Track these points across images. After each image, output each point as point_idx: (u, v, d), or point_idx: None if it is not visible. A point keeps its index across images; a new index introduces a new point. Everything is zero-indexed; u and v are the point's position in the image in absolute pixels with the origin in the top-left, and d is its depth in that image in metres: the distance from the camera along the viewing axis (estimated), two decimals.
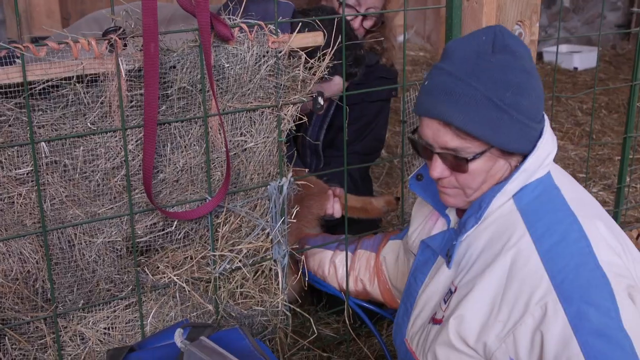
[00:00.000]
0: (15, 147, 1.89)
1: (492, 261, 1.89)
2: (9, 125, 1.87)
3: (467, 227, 1.98)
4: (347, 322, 2.63)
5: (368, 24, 3.38)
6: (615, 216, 3.50)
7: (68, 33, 2.22)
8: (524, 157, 1.92)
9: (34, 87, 1.86)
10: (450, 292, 2.01)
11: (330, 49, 2.20)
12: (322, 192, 2.85)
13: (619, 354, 1.71)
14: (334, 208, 2.89)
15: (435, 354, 1.99)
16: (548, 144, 1.94)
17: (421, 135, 1.95)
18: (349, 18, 3.27)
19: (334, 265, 2.69)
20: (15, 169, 1.90)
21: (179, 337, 1.70)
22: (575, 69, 7.85)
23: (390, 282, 2.59)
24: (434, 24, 7.90)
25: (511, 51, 1.86)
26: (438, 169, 1.93)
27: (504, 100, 1.82)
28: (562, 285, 1.77)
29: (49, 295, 2.04)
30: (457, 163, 1.89)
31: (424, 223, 2.28)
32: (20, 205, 1.94)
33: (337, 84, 2.76)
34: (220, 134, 2.12)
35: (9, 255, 1.96)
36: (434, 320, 2.05)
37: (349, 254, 2.68)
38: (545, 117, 1.97)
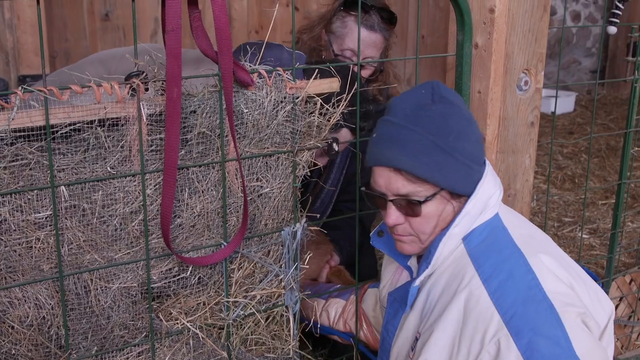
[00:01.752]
0: (35, 191, 1.86)
1: (448, 304, 1.96)
2: (30, 169, 1.85)
3: (419, 272, 2.05)
4: None
5: (366, 73, 3.40)
6: (609, 262, 3.52)
7: (71, 73, 2.21)
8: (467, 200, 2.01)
9: (57, 131, 1.84)
10: (416, 339, 2.07)
11: (346, 95, 2.22)
12: (326, 252, 2.89)
13: None
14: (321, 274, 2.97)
15: None
16: (489, 186, 2.03)
17: (373, 187, 2.05)
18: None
19: (327, 312, 2.73)
20: (35, 213, 1.88)
21: None
22: (553, 113, 7.95)
23: (375, 327, 2.62)
24: (412, 67, 7.97)
25: (449, 101, 1.99)
26: (393, 216, 2.02)
27: (448, 143, 1.93)
28: (512, 321, 1.84)
29: (62, 341, 2.00)
30: (411, 207, 1.98)
31: (392, 277, 2.35)
32: (38, 250, 1.91)
33: (343, 136, 2.78)
34: (237, 179, 2.11)
35: (25, 300, 1.92)
36: None
37: (342, 301, 2.71)
38: (487, 161, 2.07)
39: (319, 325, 2.71)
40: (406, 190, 1.96)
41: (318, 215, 2.66)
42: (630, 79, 3.30)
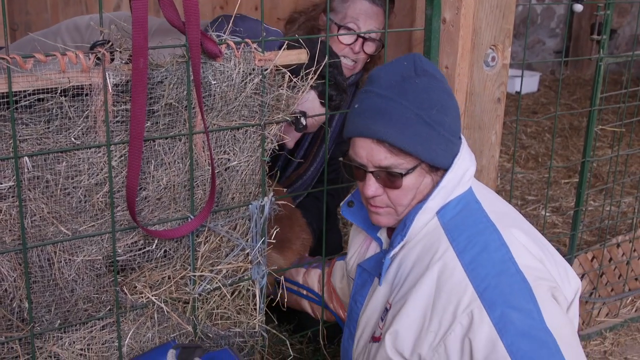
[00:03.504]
0: None
1: (421, 276, 1.97)
2: None
3: (394, 245, 2.06)
4: (322, 342, 2.63)
5: (370, 49, 3.37)
6: (572, 239, 3.56)
7: (46, 38, 2.16)
8: (444, 174, 2.02)
9: (19, 100, 1.80)
10: (386, 310, 2.08)
11: (314, 67, 2.20)
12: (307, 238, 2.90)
13: (544, 352, 1.81)
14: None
15: None
16: (465, 161, 2.05)
17: (353, 157, 2.03)
18: (348, 42, 3.26)
19: (306, 282, 2.78)
20: None
21: (171, 359, 1.66)
22: (517, 92, 8.00)
23: (341, 299, 2.63)
24: None
25: (431, 74, 2.00)
26: (372, 187, 2.01)
27: (431, 117, 1.94)
28: (485, 293, 1.86)
29: (25, 314, 1.97)
30: (391, 179, 1.98)
31: (360, 248, 2.37)
32: (0, 222, 1.87)
33: (310, 100, 2.74)
34: (204, 151, 2.08)
35: None
36: (374, 339, 2.12)
37: (318, 270, 2.72)
38: (462, 137, 2.08)
39: (298, 286, 2.73)
40: (388, 163, 1.95)
41: (285, 190, 2.64)
42: (595, 57, 3.31)
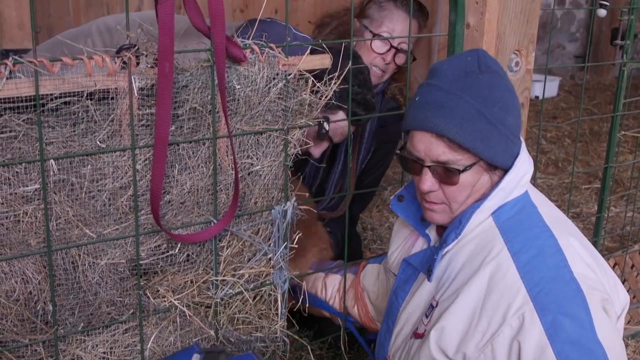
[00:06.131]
0: (23, 164, 1.83)
1: (473, 275, 1.95)
2: (18, 141, 1.81)
3: (448, 242, 2.03)
4: (343, 347, 2.62)
5: (401, 60, 3.36)
6: (594, 245, 3.53)
7: (77, 39, 2.15)
8: (503, 174, 1.99)
9: (46, 103, 1.80)
10: (432, 307, 2.06)
11: (337, 73, 2.19)
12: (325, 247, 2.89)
13: None
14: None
15: None
16: (525, 163, 2.02)
17: (410, 150, 2.01)
18: (381, 51, 3.27)
19: (325, 285, 2.73)
20: (23, 187, 1.84)
21: None
22: (537, 97, 7.97)
23: (370, 303, 2.62)
24: None
25: (494, 71, 1.97)
26: (428, 182, 1.98)
27: (493, 114, 1.90)
28: (538, 297, 1.83)
29: (49, 317, 1.98)
30: (448, 175, 1.95)
31: (404, 244, 2.34)
32: (26, 224, 1.88)
33: (339, 118, 2.74)
34: (228, 156, 2.08)
35: (12, 275, 1.89)
36: (416, 335, 2.09)
37: (338, 276, 2.70)
38: (522, 138, 2.05)
39: (314, 298, 2.71)
40: (446, 158, 1.93)
41: (308, 195, 2.64)
42: (619, 62, 3.29)
